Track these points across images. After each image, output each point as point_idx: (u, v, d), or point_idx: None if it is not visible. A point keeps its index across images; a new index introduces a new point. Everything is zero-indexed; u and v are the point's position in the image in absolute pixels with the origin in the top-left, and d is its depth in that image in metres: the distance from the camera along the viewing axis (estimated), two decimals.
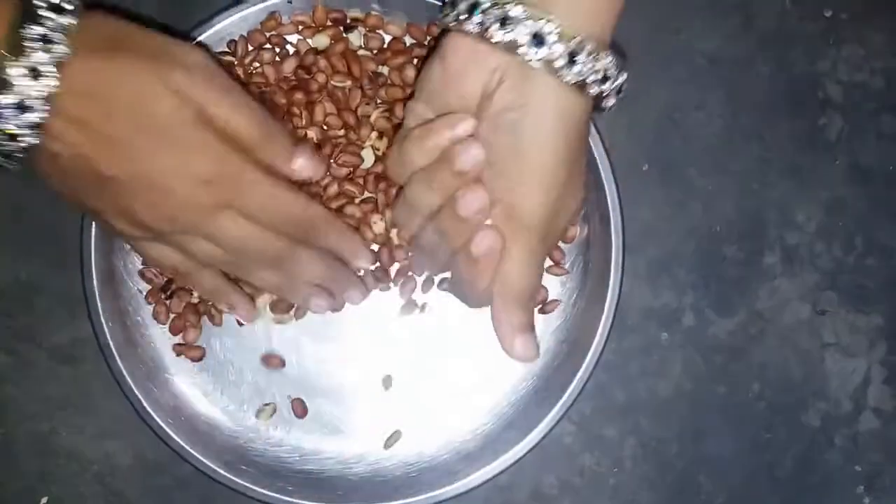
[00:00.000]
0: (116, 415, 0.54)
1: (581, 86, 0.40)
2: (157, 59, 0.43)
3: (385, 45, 0.54)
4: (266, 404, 0.54)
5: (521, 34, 0.40)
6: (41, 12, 0.40)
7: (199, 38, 0.52)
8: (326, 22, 0.53)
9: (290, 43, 0.54)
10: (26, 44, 0.39)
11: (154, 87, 0.42)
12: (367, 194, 0.53)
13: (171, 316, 0.53)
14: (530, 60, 0.40)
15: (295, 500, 0.51)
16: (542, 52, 0.40)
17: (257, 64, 0.53)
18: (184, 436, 0.51)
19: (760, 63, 0.56)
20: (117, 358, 0.51)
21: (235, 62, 0.53)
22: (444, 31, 0.43)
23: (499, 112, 0.41)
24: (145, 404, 0.51)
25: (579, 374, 0.51)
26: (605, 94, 0.42)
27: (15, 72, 0.39)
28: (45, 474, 0.55)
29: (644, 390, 0.55)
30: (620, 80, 0.42)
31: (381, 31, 0.54)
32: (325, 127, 0.53)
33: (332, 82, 0.53)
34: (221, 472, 0.51)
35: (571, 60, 0.40)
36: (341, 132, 0.53)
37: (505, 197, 0.42)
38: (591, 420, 0.55)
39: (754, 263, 0.56)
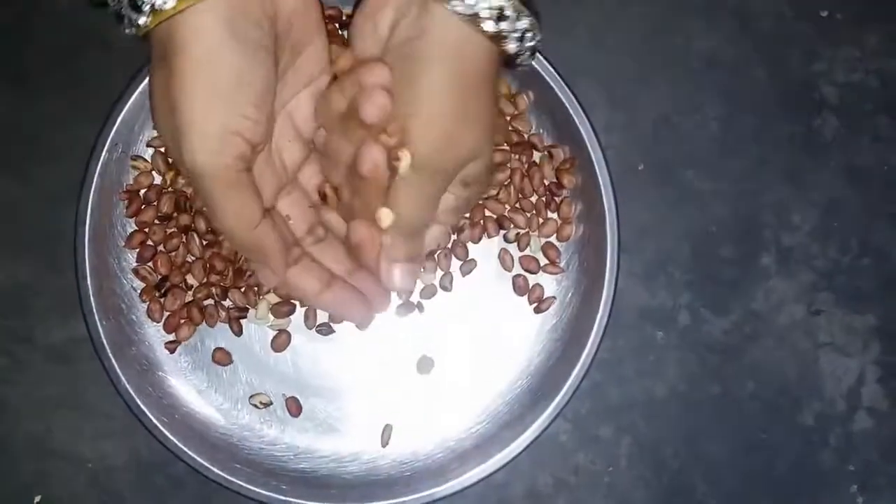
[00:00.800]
0: (111, 414, 0.54)
1: (474, 19, 0.41)
2: None
3: None
4: (259, 393, 0.53)
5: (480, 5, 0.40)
6: None
7: None
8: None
9: None
10: None
11: None
12: None
13: (166, 314, 0.53)
14: (484, 29, 0.41)
15: (289, 499, 0.51)
16: (493, 20, 0.40)
17: None
18: (178, 435, 0.51)
19: (756, 64, 0.56)
20: (111, 357, 0.51)
21: None
22: None
23: (400, 43, 0.42)
24: (140, 403, 0.51)
25: (574, 373, 0.51)
26: (504, 35, 0.42)
27: None
28: (39, 474, 0.55)
29: (639, 390, 0.55)
30: (522, 23, 0.42)
31: None
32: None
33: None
34: (216, 470, 0.51)
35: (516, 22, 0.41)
36: None
37: (401, 125, 0.42)
38: (586, 419, 0.55)
39: (750, 264, 0.56)
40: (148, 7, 0.40)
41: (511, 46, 0.42)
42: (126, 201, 0.53)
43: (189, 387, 0.54)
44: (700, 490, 0.55)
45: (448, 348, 0.54)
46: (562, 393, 0.51)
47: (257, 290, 0.53)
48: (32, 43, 0.55)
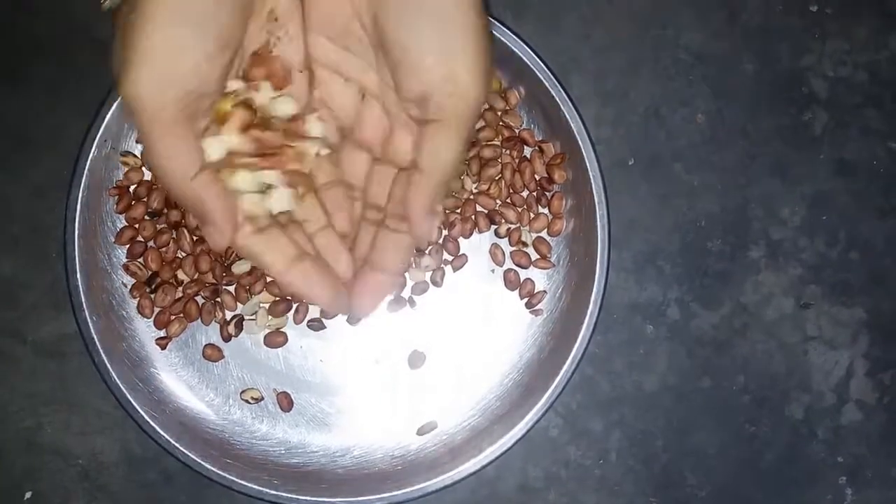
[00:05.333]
0: (102, 410, 0.54)
1: None
2: None
3: None
4: (250, 388, 0.53)
5: None
6: None
7: None
8: None
9: None
10: None
11: None
12: None
13: (156, 310, 0.53)
14: None
15: (281, 494, 0.51)
16: None
17: None
18: (169, 430, 0.51)
19: (746, 58, 0.56)
20: (102, 353, 0.51)
21: None
22: None
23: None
24: (130, 399, 0.51)
25: (565, 366, 0.51)
26: None
27: None
28: (30, 469, 0.54)
29: (629, 383, 0.55)
30: None
31: None
32: None
33: None
34: (207, 466, 0.51)
35: None
36: None
37: (431, 80, 0.38)
38: (577, 413, 0.55)
39: (739, 257, 0.56)
40: None
41: None
42: (116, 197, 0.53)
43: (180, 382, 0.54)
44: (690, 482, 0.56)
45: (439, 343, 0.54)
46: (552, 387, 0.51)
47: (248, 289, 0.53)
48: (21, 37, 0.55)
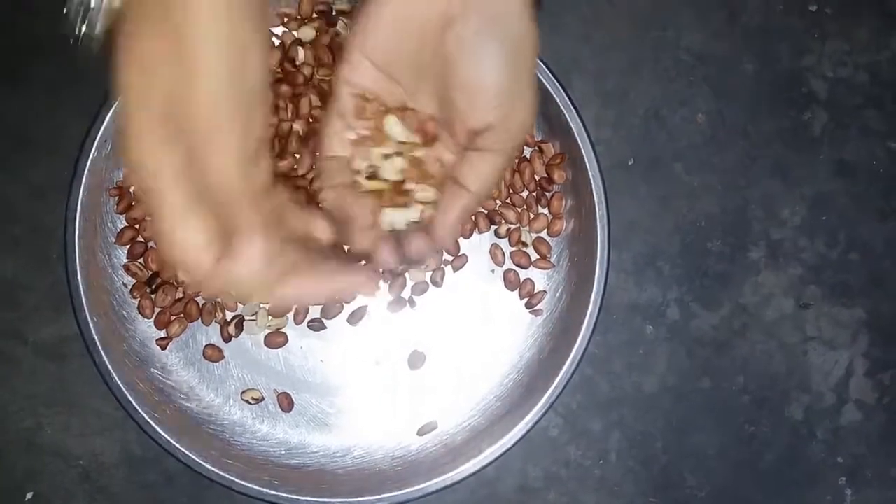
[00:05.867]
0: (102, 411, 0.54)
1: None
2: None
3: None
4: (251, 389, 0.54)
5: None
6: None
7: None
8: (312, 14, 0.53)
9: (276, 35, 0.53)
10: None
11: None
12: None
13: (157, 310, 0.53)
14: None
15: (281, 494, 0.51)
16: None
17: None
18: (170, 431, 0.51)
19: (746, 59, 0.56)
20: (102, 353, 0.51)
21: None
22: None
23: (475, 33, 0.39)
24: (131, 399, 0.51)
25: (565, 367, 0.51)
26: None
27: None
28: (31, 471, 0.54)
29: (629, 384, 0.56)
30: None
31: None
32: (310, 119, 0.53)
33: (317, 75, 0.53)
34: (208, 466, 0.51)
35: None
36: None
37: (498, 116, 0.40)
38: (577, 413, 0.55)
39: (739, 258, 0.56)
40: None
41: None
42: (116, 197, 0.53)
43: (181, 383, 0.54)
44: (689, 483, 0.56)
45: (439, 343, 0.54)
46: (552, 387, 0.51)
47: None
48: (21, 37, 0.55)
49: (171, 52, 0.33)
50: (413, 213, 0.43)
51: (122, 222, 0.53)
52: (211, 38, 0.33)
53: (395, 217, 0.43)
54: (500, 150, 0.41)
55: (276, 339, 0.53)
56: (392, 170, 0.42)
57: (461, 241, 0.54)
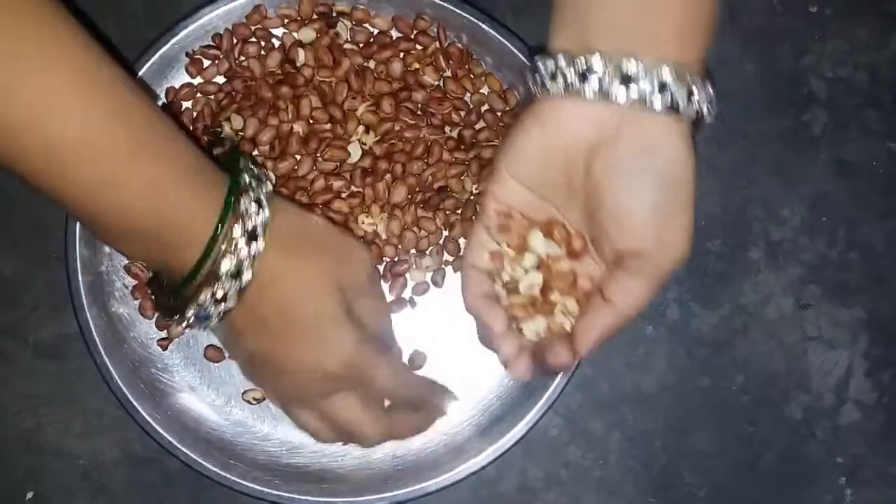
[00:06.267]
0: (103, 410, 0.54)
1: (696, 118, 0.40)
2: (332, 257, 0.46)
3: (371, 39, 0.53)
4: (252, 389, 0.54)
5: (646, 88, 0.38)
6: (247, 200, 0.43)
7: (183, 32, 0.52)
8: (312, 15, 0.53)
9: (276, 36, 0.53)
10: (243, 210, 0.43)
11: (321, 288, 0.45)
12: (353, 189, 0.52)
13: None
14: (655, 108, 0.39)
15: (282, 494, 0.51)
16: (666, 97, 0.38)
17: (242, 58, 0.53)
18: (171, 431, 0.51)
19: (746, 59, 0.56)
20: (103, 353, 0.51)
21: (221, 56, 0.53)
22: (531, 97, 0.42)
23: (624, 160, 0.39)
24: (132, 400, 0.51)
25: None
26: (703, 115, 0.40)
27: (237, 233, 0.42)
28: (31, 470, 0.55)
29: (629, 383, 0.56)
30: (710, 97, 0.40)
31: (367, 25, 0.54)
32: (311, 121, 0.53)
33: (317, 77, 0.53)
34: (209, 466, 0.51)
35: (687, 96, 0.39)
36: (328, 126, 0.53)
37: (647, 244, 0.40)
38: (577, 413, 0.55)
39: (739, 258, 0.56)
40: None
41: (709, 119, 0.40)
42: None
43: (182, 383, 0.54)
44: (689, 482, 0.56)
45: (440, 343, 0.54)
46: (552, 387, 0.52)
47: None
48: None
49: None
50: (554, 324, 0.43)
51: None
52: None
53: (537, 326, 0.43)
54: (648, 275, 0.40)
55: None
56: (529, 284, 0.43)
57: (461, 241, 0.54)
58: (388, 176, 0.52)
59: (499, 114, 0.54)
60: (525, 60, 0.51)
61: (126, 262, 0.53)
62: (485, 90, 0.54)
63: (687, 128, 0.40)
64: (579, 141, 0.40)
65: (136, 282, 0.53)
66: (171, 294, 0.44)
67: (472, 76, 0.54)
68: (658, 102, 0.38)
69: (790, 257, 0.56)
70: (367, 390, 0.48)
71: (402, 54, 0.53)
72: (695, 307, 0.56)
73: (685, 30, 0.39)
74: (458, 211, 0.54)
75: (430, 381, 0.52)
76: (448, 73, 0.54)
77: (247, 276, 0.42)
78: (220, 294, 0.42)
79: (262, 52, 0.53)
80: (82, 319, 0.51)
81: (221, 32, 0.53)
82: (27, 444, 0.54)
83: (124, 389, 0.51)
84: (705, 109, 0.40)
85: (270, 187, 0.45)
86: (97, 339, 0.51)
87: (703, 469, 0.56)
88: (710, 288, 0.56)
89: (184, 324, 0.44)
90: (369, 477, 0.53)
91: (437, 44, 0.53)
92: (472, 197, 0.54)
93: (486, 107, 0.54)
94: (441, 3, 0.52)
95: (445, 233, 0.54)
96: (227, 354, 0.53)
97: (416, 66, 0.53)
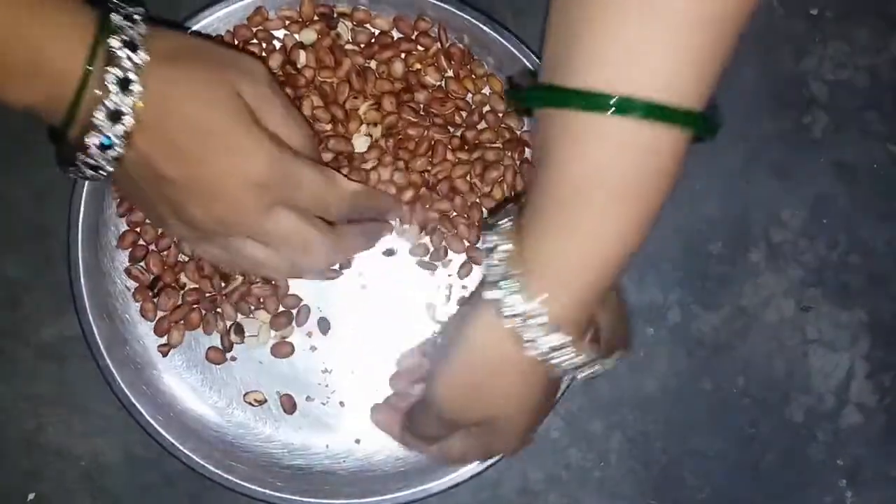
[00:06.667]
0: (104, 412, 0.54)
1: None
2: (224, 66, 0.44)
3: (372, 40, 0.54)
4: (253, 391, 0.54)
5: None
6: (118, 22, 0.41)
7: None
8: (313, 16, 0.53)
9: (277, 38, 0.53)
10: (114, 51, 0.40)
11: (219, 93, 0.43)
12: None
13: (159, 314, 0.53)
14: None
15: (284, 496, 0.51)
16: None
17: None
18: (172, 432, 0.51)
19: (746, 61, 0.56)
20: (105, 355, 0.51)
21: None
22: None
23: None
24: (133, 401, 0.51)
25: None
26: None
27: (110, 78, 0.40)
28: (32, 471, 0.55)
29: (630, 385, 0.56)
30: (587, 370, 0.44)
31: (368, 26, 0.54)
32: (313, 121, 0.53)
33: (319, 77, 0.53)
34: (210, 468, 0.51)
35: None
36: (329, 126, 0.53)
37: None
38: (578, 415, 0.56)
39: (739, 260, 0.56)
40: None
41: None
42: (118, 200, 0.53)
43: (183, 385, 0.54)
44: (689, 484, 0.56)
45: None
46: None
47: (246, 299, 0.53)
48: None
49: None
50: None
51: (124, 225, 0.53)
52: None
53: None
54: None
55: (281, 349, 0.53)
56: None
57: (465, 241, 0.54)
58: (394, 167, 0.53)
59: (500, 114, 0.54)
60: (525, 62, 0.51)
61: (127, 264, 0.53)
62: (486, 91, 0.54)
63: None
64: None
65: (138, 284, 0.53)
66: (60, 144, 0.42)
67: (473, 77, 0.54)
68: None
69: (791, 259, 0.56)
70: (301, 203, 0.46)
71: (403, 55, 0.53)
72: (696, 309, 0.56)
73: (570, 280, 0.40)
74: (465, 216, 0.54)
75: (370, 188, 0.52)
76: (450, 74, 0.54)
77: (136, 88, 0.40)
78: (120, 103, 0.40)
79: (264, 54, 0.53)
80: (84, 321, 0.51)
81: (223, 34, 0.53)
82: (28, 444, 0.54)
83: (126, 391, 0.51)
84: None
85: (145, 28, 0.42)
86: (99, 340, 0.51)
87: (704, 470, 0.56)
88: (711, 290, 0.56)
89: (88, 172, 0.42)
90: (371, 479, 0.53)
91: (439, 44, 0.53)
92: (477, 200, 0.54)
93: (487, 108, 0.54)
94: (441, 4, 0.52)
95: (446, 232, 0.54)
96: (229, 357, 0.53)
97: (418, 66, 0.53)
